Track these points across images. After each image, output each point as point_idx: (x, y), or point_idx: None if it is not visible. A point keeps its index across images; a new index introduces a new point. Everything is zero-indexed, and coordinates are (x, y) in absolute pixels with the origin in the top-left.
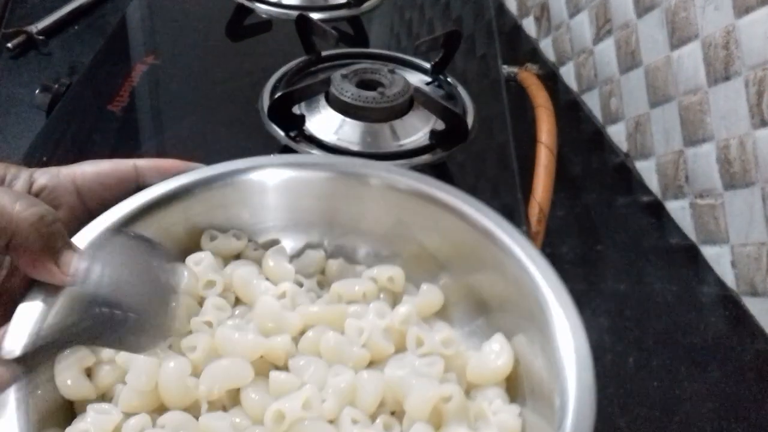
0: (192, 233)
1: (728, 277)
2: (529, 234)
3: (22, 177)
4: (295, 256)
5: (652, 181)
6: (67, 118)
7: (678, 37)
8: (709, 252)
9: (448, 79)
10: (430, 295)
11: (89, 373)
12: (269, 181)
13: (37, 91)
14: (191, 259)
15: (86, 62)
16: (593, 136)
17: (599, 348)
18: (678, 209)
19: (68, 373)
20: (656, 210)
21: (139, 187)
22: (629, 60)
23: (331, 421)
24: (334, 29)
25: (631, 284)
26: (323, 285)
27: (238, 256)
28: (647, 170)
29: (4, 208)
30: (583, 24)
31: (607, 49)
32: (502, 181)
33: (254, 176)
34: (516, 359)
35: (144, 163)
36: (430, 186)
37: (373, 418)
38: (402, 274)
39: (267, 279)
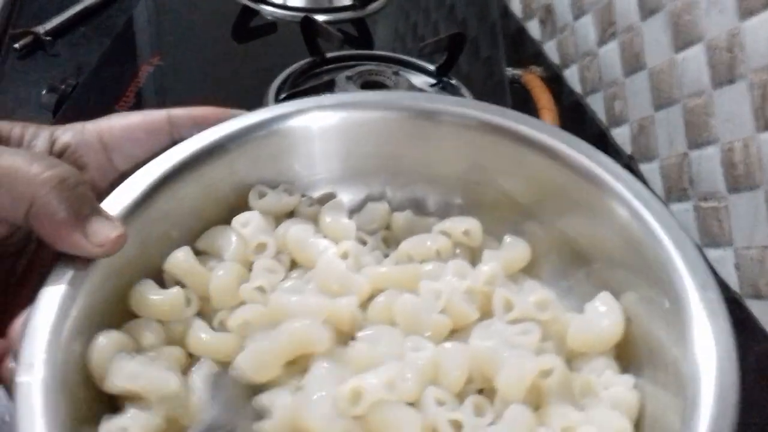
0: (238, 191)
1: (732, 280)
2: None
3: (42, 136)
4: (355, 211)
5: (656, 184)
6: (74, 118)
7: (682, 40)
8: (712, 254)
9: (453, 82)
10: (515, 249)
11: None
12: (320, 126)
13: (43, 92)
14: (238, 221)
15: (93, 63)
16: (597, 138)
17: None
18: (682, 212)
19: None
20: None
21: (174, 142)
22: (633, 62)
23: (411, 403)
24: (338, 31)
25: None
26: (389, 242)
27: (290, 214)
28: (651, 173)
29: (18, 171)
30: (588, 26)
31: (611, 51)
32: None
33: (303, 121)
34: (628, 321)
35: (178, 113)
36: (509, 119)
37: (460, 397)
38: (479, 226)
39: (325, 237)
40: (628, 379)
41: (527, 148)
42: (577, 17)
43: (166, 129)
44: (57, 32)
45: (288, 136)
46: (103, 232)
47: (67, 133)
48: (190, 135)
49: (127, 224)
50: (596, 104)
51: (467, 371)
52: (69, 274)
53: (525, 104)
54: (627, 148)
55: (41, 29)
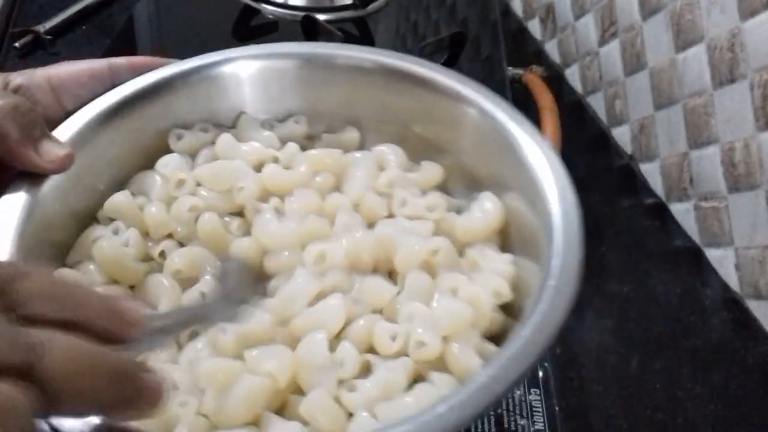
0: (163, 137)
1: (732, 280)
2: None
3: None
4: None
5: (657, 184)
6: None
7: (683, 40)
8: (713, 254)
9: None
10: (428, 170)
11: None
12: (243, 73)
13: None
14: (160, 164)
15: None
16: (598, 137)
17: (602, 350)
18: (682, 211)
19: None
20: (660, 212)
21: (114, 85)
22: (634, 62)
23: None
24: (339, 30)
25: (635, 286)
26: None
27: None
28: (651, 172)
29: None
30: (589, 26)
31: (612, 51)
32: None
33: (229, 69)
34: (507, 216)
35: (118, 61)
36: (402, 61)
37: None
38: (400, 150)
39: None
40: (507, 257)
41: (423, 89)
42: (578, 17)
43: (108, 74)
44: (57, 31)
45: (214, 82)
46: (53, 151)
47: (20, 77)
48: (129, 80)
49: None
50: (597, 104)
51: (374, 253)
52: (24, 188)
53: (526, 104)
54: (627, 147)
55: (42, 28)
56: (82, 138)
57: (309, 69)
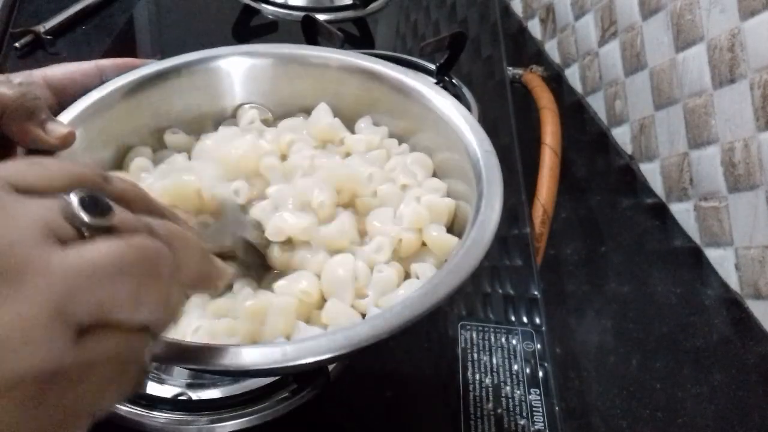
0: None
1: (732, 280)
2: (532, 235)
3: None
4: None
5: (657, 184)
6: None
7: (683, 40)
8: (712, 254)
9: (453, 81)
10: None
11: None
12: (237, 69)
13: None
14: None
15: None
16: (598, 138)
17: (602, 349)
18: (682, 211)
19: None
20: (660, 212)
21: (102, 82)
22: (634, 62)
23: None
24: (339, 30)
25: (635, 286)
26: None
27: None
28: (651, 172)
29: None
30: (589, 26)
31: (612, 51)
32: (506, 182)
33: (213, 65)
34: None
35: (105, 62)
36: (354, 58)
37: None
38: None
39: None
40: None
41: (374, 82)
42: (578, 17)
43: (96, 73)
44: (57, 31)
45: (197, 77)
46: (58, 129)
47: (19, 76)
48: (115, 77)
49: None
50: (597, 104)
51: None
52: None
53: (525, 103)
54: (627, 147)
55: (41, 28)
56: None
57: (279, 66)
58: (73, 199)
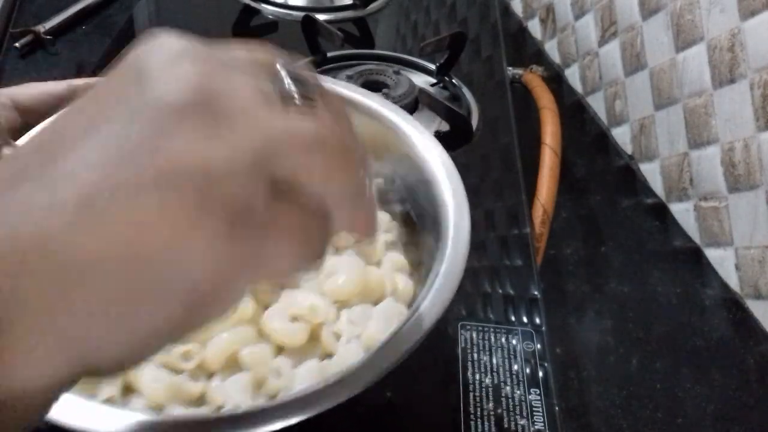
0: None
1: (732, 280)
2: (532, 235)
3: None
4: None
5: (657, 184)
6: None
7: (683, 40)
8: (712, 254)
9: (453, 81)
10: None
11: None
12: None
13: None
14: None
15: (93, 62)
16: (598, 138)
17: (602, 349)
18: (682, 211)
19: None
20: (660, 212)
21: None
22: (634, 62)
23: None
24: (339, 30)
25: (635, 286)
26: None
27: None
28: (651, 172)
29: None
30: (589, 26)
31: (612, 51)
32: (506, 182)
33: None
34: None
35: (78, 82)
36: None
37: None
38: None
39: None
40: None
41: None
42: (577, 17)
43: (68, 94)
44: (57, 31)
45: None
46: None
47: None
48: None
49: None
50: (597, 104)
51: None
52: None
53: (525, 104)
54: (627, 147)
55: (41, 28)
56: None
57: None
58: (284, 74)
